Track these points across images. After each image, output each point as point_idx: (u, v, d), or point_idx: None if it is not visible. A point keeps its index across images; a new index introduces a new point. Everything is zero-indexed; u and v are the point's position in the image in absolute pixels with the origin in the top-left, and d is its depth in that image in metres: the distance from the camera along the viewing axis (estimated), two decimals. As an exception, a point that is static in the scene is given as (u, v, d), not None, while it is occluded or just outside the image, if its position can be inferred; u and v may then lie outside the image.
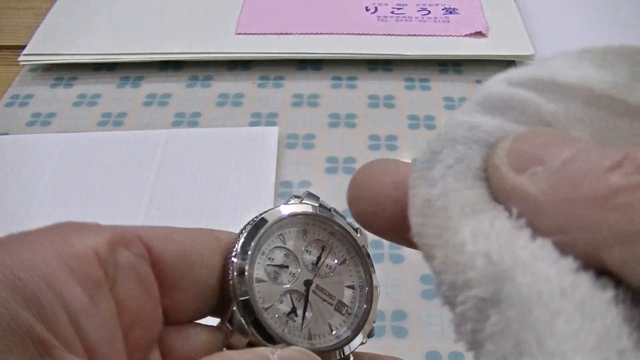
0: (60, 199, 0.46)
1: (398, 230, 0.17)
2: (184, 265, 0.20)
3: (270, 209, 0.23)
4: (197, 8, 0.63)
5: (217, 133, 0.51)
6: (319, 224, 0.24)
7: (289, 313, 0.22)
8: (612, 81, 0.15)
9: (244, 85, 0.57)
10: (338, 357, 0.22)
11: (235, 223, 0.45)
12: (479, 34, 0.58)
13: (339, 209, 0.47)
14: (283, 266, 0.23)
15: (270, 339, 0.21)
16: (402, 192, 0.17)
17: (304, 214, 0.24)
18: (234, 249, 0.22)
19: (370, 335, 0.23)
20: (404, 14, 0.62)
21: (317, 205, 0.24)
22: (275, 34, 0.59)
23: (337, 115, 0.53)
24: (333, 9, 0.62)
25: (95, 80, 0.58)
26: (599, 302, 0.13)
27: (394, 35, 0.59)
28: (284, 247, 0.23)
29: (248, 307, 0.21)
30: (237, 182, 0.47)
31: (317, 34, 0.59)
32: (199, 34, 0.59)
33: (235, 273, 0.21)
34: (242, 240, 0.22)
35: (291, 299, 0.22)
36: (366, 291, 0.23)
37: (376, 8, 0.62)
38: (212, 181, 0.47)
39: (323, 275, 0.23)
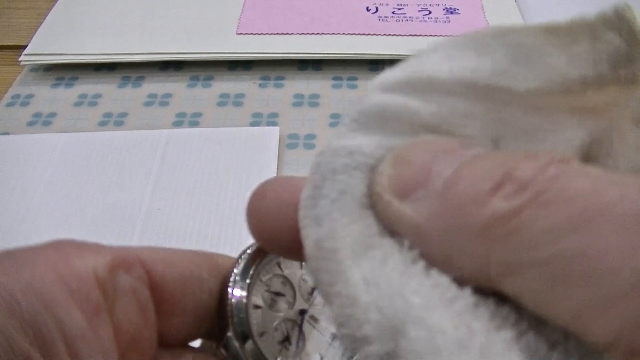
0: (60, 198, 0.46)
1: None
2: (182, 290, 0.20)
3: None
4: (198, 8, 0.63)
5: (218, 133, 0.51)
6: None
7: (283, 341, 0.22)
8: (492, 69, 0.14)
9: (245, 85, 0.57)
10: None
11: (235, 223, 0.45)
12: (480, 34, 0.58)
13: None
14: (280, 294, 0.23)
15: None
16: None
17: None
18: (232, 275, 0.22)
19: None
20: (404, 14, 0.62)
21: None
22: (276, 34, 0.59)
23: (338, 116, 0.53)
24: (334, 9, 0.62)
25: (96, 80, 0.58)
26: (500, 345, 0.12)
27: (394, 35, 0.59)
28: (282, 275, 0.23)
29: (244, 334, 0.21)
30: (238, 182, 0.47)
31: (317, 34, 0.59)
32: (199, 34, 0.59)
33: (232, 300, 0.21)
34: (240, 266, 0.22)
35: (285, 328, 0.22)
36: None
37: (377, 8, 0.62)
38: (213, 181, 0.47)
39: (317, 305, 0.23)
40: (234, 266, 0.22)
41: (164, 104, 0.55)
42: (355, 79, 0.57)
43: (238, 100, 0.55)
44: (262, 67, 0.58)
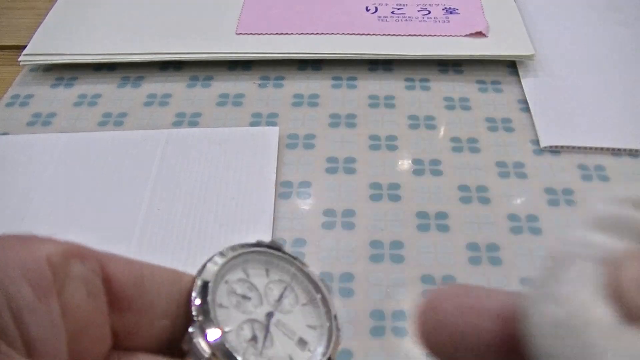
0: (60, 199, 0.46)
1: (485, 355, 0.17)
2: (138, 290, 0.21)
3: (235, 244, 0.24)
4: (198, 8, 0.63)
5: (218, 133, 0.51)
6: (282, 265, 0.24)
7: (250, 340, 0.22)
8: None
9: (245, 85, 0.57)
10: None
11: (235, 223, 0.45)
12: (479, 34, 0.58)
13: (339, 209, 0.47)
14: (245, 297, 0.23)
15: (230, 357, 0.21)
16: (489, 319, 0.17)
17: (268, 254, 0.24)
18: (198, 272, 0.22)
19: None
20: (404, 14, 0.62)
21: (279, 252, 0.25)
22: (276, 34, 0.59)
23: (338, 115, 0.53)
24: (333, 9, 0.62)
25: (96, 80, 0.58)
26: None
27: (394, 35, 0.59)
28: (247, 281, 0.23)
29: (207, 326, 0.21)
30: (238, 182, 0.47)
31: (317, 34, 0.59)
32: (199, 34, 0.59)
33: (196, 292, 0.21)
34: (205, 269, 0.22)
35: (252, 327, 0.22)
36: (328, 332, 0.23)
37: (376, 8, 0.62)
38: (213, 181, 0.47)
39: (285, 311, 0.23)
40: (199, 270, 0.22)
41: (163, 104, 0.55)
42: (354, 79, 0.57)
43: (238, 100, 0.55)
44: (261, 67, 0.58)
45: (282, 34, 0.59)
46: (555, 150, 0.50)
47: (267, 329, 0.22)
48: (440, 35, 0.59)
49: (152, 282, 0.21)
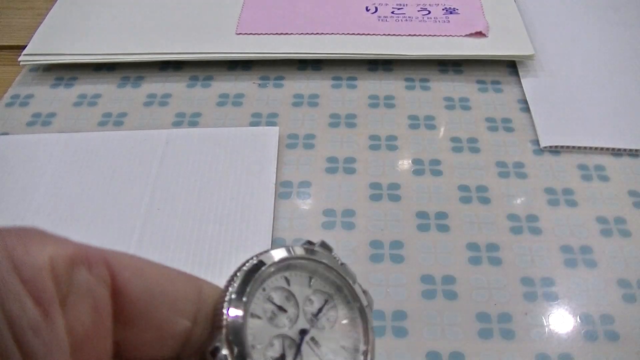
0: (60, 199, 0.46)
1: None
2: (148, 305, 0.19)
3: (278, 247, 0.22)
4: (197, 8, 0.63)
5: (218, 133, 0.51)
6: (327, 275, 0.22)
7: (277, 358, 0.20)
8: None
9: (244, 85, 0.57)
10: None
11: (235, 223, 0.45)
12: (479, 34, 0.58)
13: (339, 209, 0.47)
14: (282, 308, 0.21)
15: None
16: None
17: (314, 261, 0.22)
18: (234, 277, 0.20)
19: None
20: (404, 14, 0.62)
21: (330, 256, 0.23)
22: (276, 34, 0.59)
23: (337, 115, 0.53)
24: (333, 9, 0.62)
25: (96, 80, 0.58)
26: None
27: (394, 35, 0.59)
28: (287, 289, 0.22)
29: (237, 342, 0.19)
30: (238, 182, 0.47)
31: (317, 34, 0.59)
32: (199, 34, 0.59)
33: (230, 297, 0.20)
34: (245, 270, 0.21)
35: (283, 345, 0.21)
36: (363, 357, 0.22)
37: (376, 8, 0.62)
38: (213, 181, 0.47)
39: (321, 328, 0.22)
40: (236, 271, 0.21)
41: (163, 104, 0.55)
42: (354, 79, 0.57)
43: (237, 100, 0.55)
44: (261, 67, 0.58)
45: (282, 34, 0.59)
46: (555, 150, 0.50)
47: (298, 349, 0.21)
48: (440, 35, 0.59)
49: (164, 297, 0.19)
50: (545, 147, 0.50)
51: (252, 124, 0.53)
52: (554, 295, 0.41)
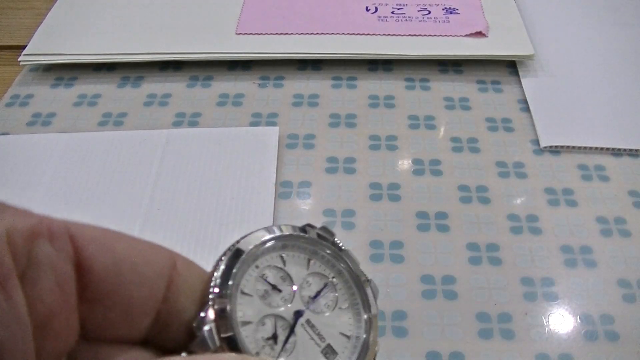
0: (60, 198, 0.46)
1: None
2: (115, 281, 0.18)
3: (276, 225, 0.21)
4: (198, 8, 0.63)
5: (218, 133, 0.51)
6: (328, 257, 0.21)
7: (269, 338, 0.19)
8: None
9: (244, 85, 0.57)
10: None
11: (235, 223, 0.45)
12: (479, 34, 0.58)
13: (339, 209, 0.47)
14: (275, 288, 0.20)
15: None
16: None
17: (314, 241, 0.21)
18: (226, 252, 0.20)
19: None
20: (404, 14, 0.62)
21: (330, 240, 0.22)
22: (276, 34, 0.59)
23: (337, 115, 0.53)
24: (333, 9, 0.62)
25: (96, 80, 0.58)
26: None
27: (394, 35, 0.59)
28: (283, 269, 0.21)
29: (224, 316, 0.18)
30: (238, 182, 0.47)
31: (317, 34, 0.59)
32: (199, 34, 0.59)
33: (219, 274, 0.19)
34: (237, 246, 0.20)
35: (275, 325, 0.20)
36: (362, 346, 0.21)
37: (376, 8, 0.62)
38: (213, 181, 0.47)
39: (318, 311, 0.21)
40: (229, 247, 0.20)
41: (163, 104, 0.55)
42: (354, 79, 0.57)
43: (237, 100, 0.55)
44: (261, 67, 0.58)
45: (282, 34, 0.59)
46: (555, 150, 0.50)
47: (291, 329, 0.20)
48: (440, 35, 0.59)
49: (133, 274, 0.18)
50: (545, 147, 0.50)
51: (252, 124, 0.53)
52: (554, 295, 0.41)
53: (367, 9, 0.62)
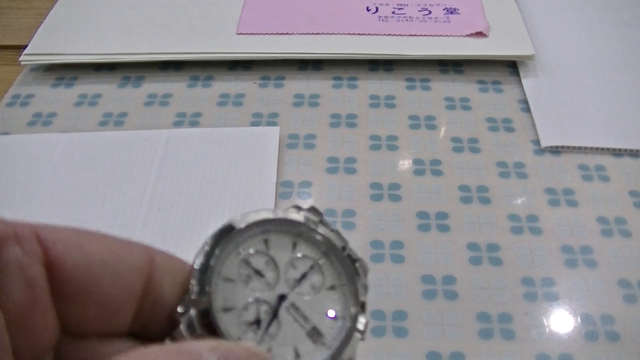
0: (61, 198, 0.46)
1: None
2: (87, 279, 0.18)
3: (259, 209, 0.21)
4: (198, 8, 0.63)
5: (218, 133, 0.51)
6: (314, 239, 0.21)
7: (251, 323, 0.19)
8: None
9: (245, 85, 0.57)
10: None
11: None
12: (480, 34, 0.58)
13: (339, 209, 0.47)
14: (259, 272, 0.20)
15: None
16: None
17: (298, 223, 0.21)
18: (208, 239, 0.20)
19: None
20: (404, 14, 0.62)
21: (317, 221, 0.21)
22: (276, 34, 0.59)
23: (338, 115, 0.53)
24: (334, 9, 0.62)
25: (96, 80, 0.58)
26: None
27: (394, 35, 0.59)
28: (266, 253, 0.20)
29: (205, 303, 0.19)
30: (238, 182, 0.47)
31: (318, 34, 0.59)
32: (199, 34, 0.59)
33: (201, 261, 0.19)
34: (217, 232, 0.20)
35: (258, 310, 0.20)
36: (348, 326, 0.20)
37: (377, 8, 0.62)
38: (213, 181, 0.47)
39: (303, 294, 0.20)
40: (211, 234, 0.20)
41: (164, 103, 0.55)
42: (355, 79, 0.57)
43: (238, 100, 0.55)
44: (262, 67, 0.58)
45: (282, 34, 0.59)
46: (555, 150, 0.50)
47: (274, 314, 0.20)
48: (440, 35, 0.59)
49: (105, 270, 0.18)
50: (545, 147, 0.50)
51: (253, 124, 0.53)
52: (555, 296, 0.41)
53: (368, 9, 0.62)
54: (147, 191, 0.46)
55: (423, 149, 0.50)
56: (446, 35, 0.59)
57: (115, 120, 0.53)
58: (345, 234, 0.21)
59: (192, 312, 0.18)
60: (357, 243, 0.44)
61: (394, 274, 0.42)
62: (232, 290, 0.19)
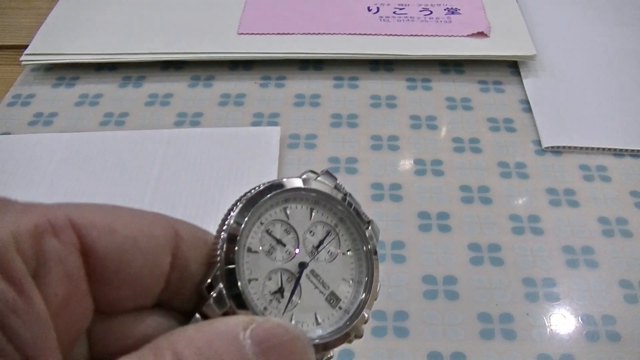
0: (62, 198, 0.46)
1: None
2: (120, 262, 0.18)
3: (278, 180, 0.21)
4: (199, 8, 0.63)
5: (219, 133, 0.51)
6: (330, 206, 0.22)
7: (275, 292, 0.20)
8: None
9: (246, 85, 0.57)
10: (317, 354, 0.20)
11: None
12: (481, 34, 0.58)
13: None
14: (280, 242, 0.21)
15: (248, 313, 0.19)
16: None
17: (316, 192, 0.22)
18: (230, 212, 0.20)
19: (358, 336, 0.21)
20: (405, 14, 0.61)
21: (332, 186, 0.22)
22: (277, 34, 0.59)
23: (339, 115, 0.53)
24: (335, 9, 0.62)
25: (97, 80, 0.58)
26: None
27: (395, 35, 0.59)
28: (286, 222, 0.21)
29: (232, 276, 0.19)
30: (239, 182, 0.47)
31: (319, 34, 0.59)
32: (200, 34, 0.59)
33: (225, 235, 0.20)
34: (240, 205, 0.20)
35: (281, 278, 0.20)
36: (363, 288, 0.21)
37: (378, 8, 0.62)
38: (214, 181, 0.47)
39: (322, 260, 0.21)
40: (232, 205, 0.20)
41: (165, 103, 0.55)
42: (356, 79, 0.57)
43: (239, 100, 0.55)
44: (263, 67, 0.58)
45: (283, 33, 0.59)
46: (556, 150, 0.50)
47: (296, 282, 0.20)
48: (441, 35, 0.59)
49: (135, 252, 0.19)
50: (547, 148, 0.50)
51: (254, 124, 0.53)
52: (556, 296, 0.41)
53: (369, 9, 0.62)
54: (148, 191, 0.46)
55: (424, 149, 0.50)
56: (447, 36, 0.59)
57: (116, 120, 0.53)
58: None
59: (220, 286, 0.19)
60: (358, 243, 0.44)
61: (395, 274, 0.42)
62: (256, 262, 0.20)
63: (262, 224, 0.21)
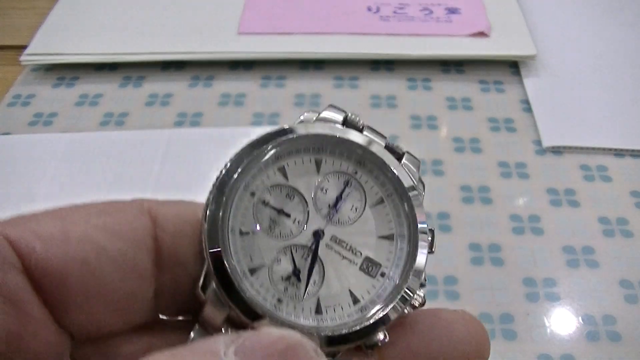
0: (62, 198, 0.46)
1: None
2: (81, 275, 0.15)
3: (269, 130, 0.16)
4: (199, 8, 0.63)
5: (219, 133, 0.51)
6: (341, 149, 0.16)
7: (288, 277, 0.16)
8: None
9: (246, 85, 0.57)
10: (363, 344, 0.15)
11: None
12: (481, 34, 0.58)
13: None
14: (282, 212, 0.16)
15: (253, 313, 0.15)
16: None
17: (317, 136, 0.16)
18: (210, 189, 0.15)
19: (414, 306, 0.16)
20: (406, 14, 0.61)
21: (340, 121, 0.17)
22: (278, 33, 0.59)
23: (339, 115, 0.53)
24: (335, 9, 0.62)
25: (97, 80, 0.58)
26: None
27: (396, 35, 0.59)
28: (286, 185, 0.16)
29: (222, 270, 0.15)
30: (239, 182, 0.47)
31: (319, 33, 0.59)
32: (201, 34, 0.59)
33: (205, 222, 0.16)
34: (221, 175, 0.16)
35: (292, 257, 0.16)
36: (410, 244, 0.16)
37: (378, 8, 0.62)
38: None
39: (344, 222, 0.16)
40: (212, 184, 0.16)
41: (165, 103, 0.55)
42: (356, 78, 0.57)
43: (239, 100, 0.55)
44: (263, 67, 0.58)
45: (283, 33, 0.59)
46: (557, 150, 0.50)
47: (314, 256, 0.16)
48: (442, 35, 0.59)
49: (100, 258, 0.16)
50: (547, 148, 0.50)
51: (254, 124, 0.53)
52: (556, 296, 0.41)
53: (369, 9, 0.62)
54: (148, 191, 0.46)
55: (424, 149, 0.50)
56: (447, 35, 0.59)
57: (116, 120, 0.53)
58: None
59: (213, 285, 0.15)
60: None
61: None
62: (253, 244, 0.16)
63: (252, 194, 0.16)
